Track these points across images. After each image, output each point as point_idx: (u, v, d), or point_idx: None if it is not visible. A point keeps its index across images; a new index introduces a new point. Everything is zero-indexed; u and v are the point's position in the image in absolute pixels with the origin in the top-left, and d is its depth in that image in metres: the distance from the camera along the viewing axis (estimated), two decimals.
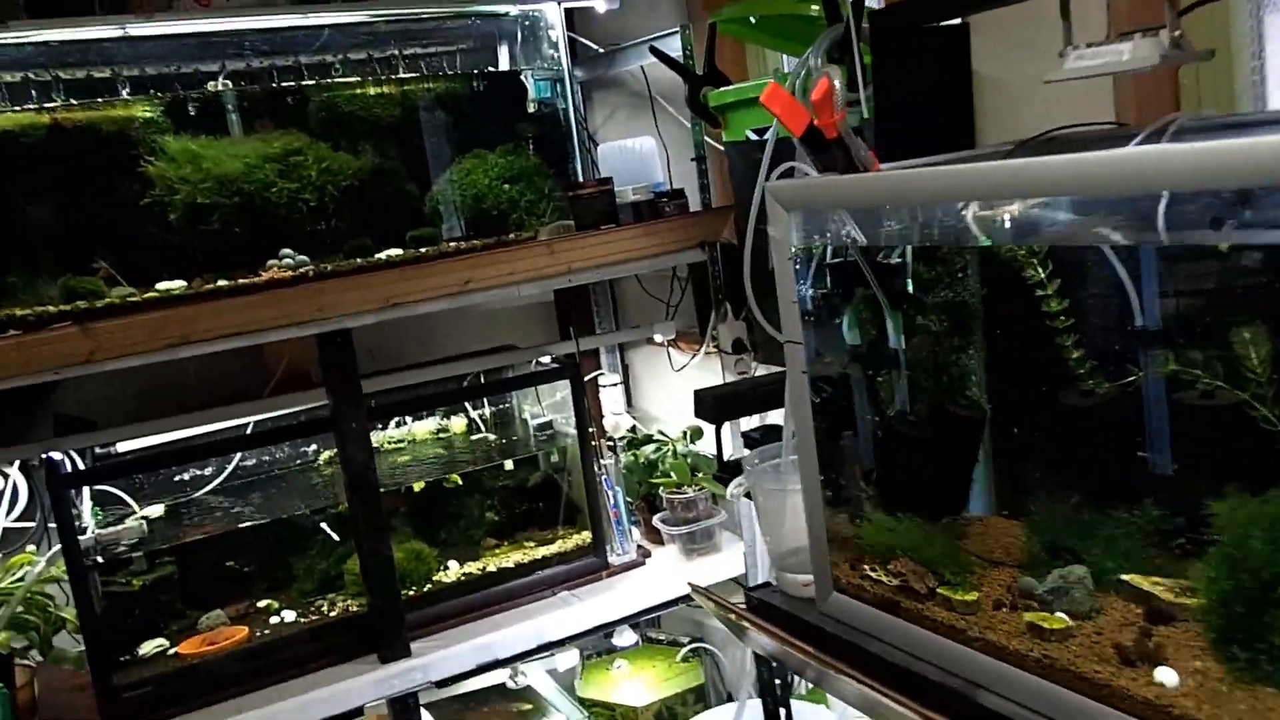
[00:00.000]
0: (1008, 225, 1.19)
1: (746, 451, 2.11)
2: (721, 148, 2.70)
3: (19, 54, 2.36)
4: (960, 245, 1.23)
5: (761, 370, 2.64)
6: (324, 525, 2.58)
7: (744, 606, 1.48)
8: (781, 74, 2.13)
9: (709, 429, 2.82)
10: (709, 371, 2.83)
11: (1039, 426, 1.20)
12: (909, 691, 1.19)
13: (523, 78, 2.80)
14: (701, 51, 2.49)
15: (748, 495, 1.53)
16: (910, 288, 1.28)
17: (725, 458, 2.13)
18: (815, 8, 1.94)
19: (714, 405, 2.06)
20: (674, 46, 2.63)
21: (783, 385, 2.14)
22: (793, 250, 1.28)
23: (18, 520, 2.56)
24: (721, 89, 2.37)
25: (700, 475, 2.73)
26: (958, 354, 1.25)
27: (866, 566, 1.31)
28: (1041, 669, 1.09)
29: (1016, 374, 1.22)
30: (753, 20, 2.40)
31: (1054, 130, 1.39)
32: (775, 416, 2.34)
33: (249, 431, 2.68)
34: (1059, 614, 1.13)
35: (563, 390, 2.76)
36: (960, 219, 1.22)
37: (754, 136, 2.34)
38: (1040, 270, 1.12)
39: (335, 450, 2.76)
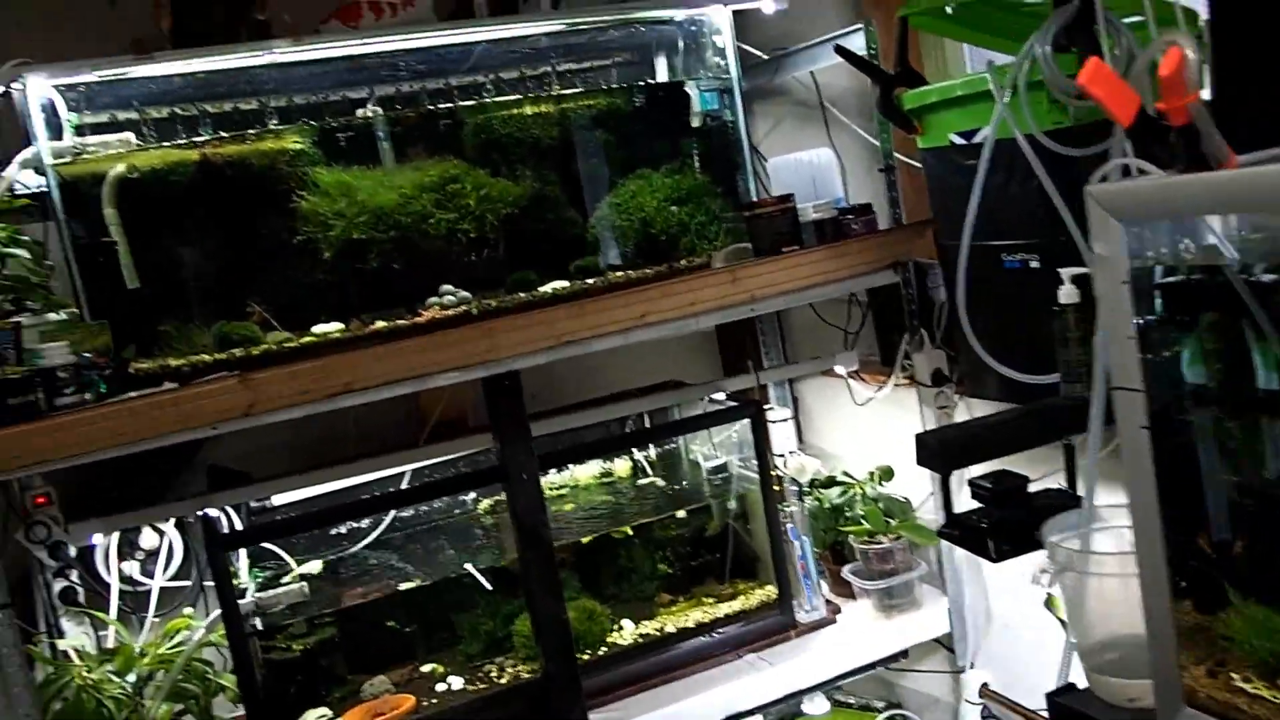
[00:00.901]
0: None
1: (974, 503, 1.83)
2: (908, 159, 2.44)
3: (165, 87, 2.24)
4: None
5: (963, 406, 2.35)
6: (487, 581, 2.38)
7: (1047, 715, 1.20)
8: (998, 69, 1.85)
9: (903, 470, 2.55)
10: (895, 405, 2.54)
11: None
12: None
13: (687, 88, 2.57)
14: (889, 49, 2.25)
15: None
16: None
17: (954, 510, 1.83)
18: None
19: (941, 450, 1.77)
20: (856, 45, 2.37)
21: (1021, 425, 1.87)
22: (1129, 270, 1.00)
23: (173, 579, 2.43)
24: (920, 89, 2.12)
25: (894, 523, 2.44)
26: None
27: (1234, 675, 1.02)
28: None
29: None
30: (949, 11, 2.15)
31: None
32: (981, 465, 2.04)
33: (405, 483, 2.50)
34: None
35: (735, 429, 2.52)
36: None
37: (959, 141, 2.08)
38: None
39: (495, 499, 2.58)
